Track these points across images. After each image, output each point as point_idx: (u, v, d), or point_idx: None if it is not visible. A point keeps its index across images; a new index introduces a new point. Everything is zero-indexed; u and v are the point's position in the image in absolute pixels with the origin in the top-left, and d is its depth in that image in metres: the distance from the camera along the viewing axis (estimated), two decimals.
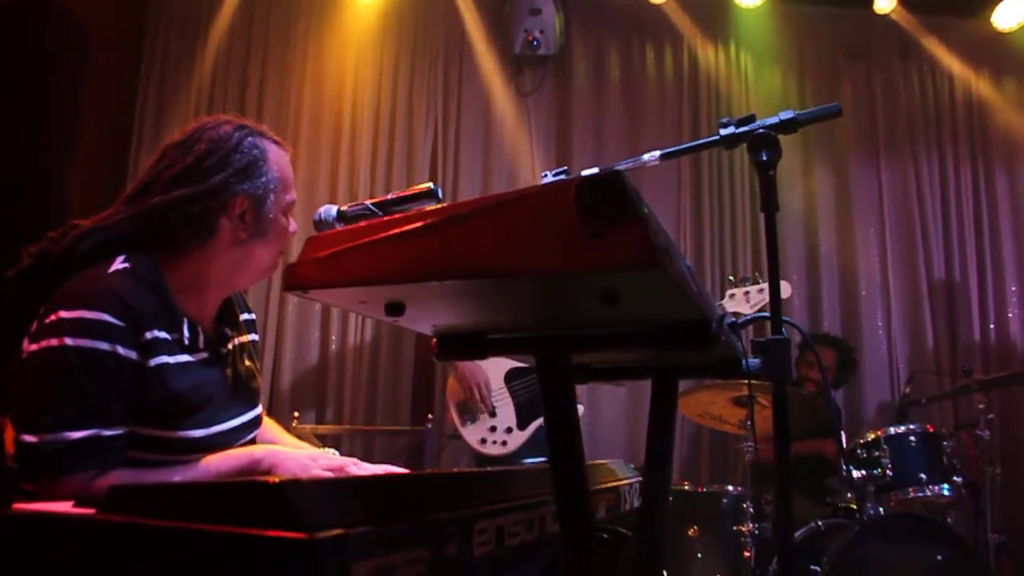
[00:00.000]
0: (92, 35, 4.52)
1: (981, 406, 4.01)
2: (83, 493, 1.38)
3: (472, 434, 3.79)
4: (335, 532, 0.69)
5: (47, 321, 1.49)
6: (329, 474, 1.55)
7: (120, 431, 1.50)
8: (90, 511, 0.81)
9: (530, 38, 5.24)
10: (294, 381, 4.78)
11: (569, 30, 5.41)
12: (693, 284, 0.99)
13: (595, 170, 1.53)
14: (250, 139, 1.72)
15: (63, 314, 1.48)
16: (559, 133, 5.44)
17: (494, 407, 3.77)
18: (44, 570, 0.83)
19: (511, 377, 3.91)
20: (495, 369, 3.92)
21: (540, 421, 3.67)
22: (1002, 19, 5.35)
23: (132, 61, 5.00)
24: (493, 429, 3.75)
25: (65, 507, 0.87)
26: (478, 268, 0.81)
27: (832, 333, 5.11)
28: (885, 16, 5.40)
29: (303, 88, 5.08)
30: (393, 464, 1.81)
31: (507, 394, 3.77)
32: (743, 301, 3.70)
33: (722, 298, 3.87)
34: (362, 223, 0.88)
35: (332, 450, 1.82)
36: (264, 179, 1.71)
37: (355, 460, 1.67)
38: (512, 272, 0.80)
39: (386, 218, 0.87)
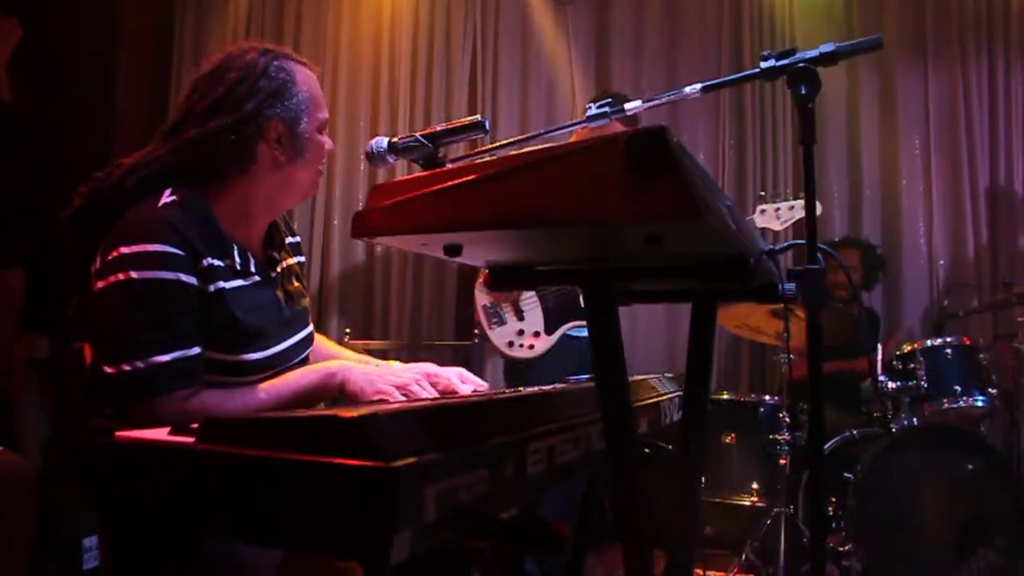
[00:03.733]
0: None
1: (1020, 319, 4.03)
2: (181, 411, 1.50)
3: (500, 337, 3.81)
4: (409, 460, 0.78)
5: (110, 258, 1.56)
6: (393, 389, 1.64)
7: (199, 350, 1.58)
8: (188, 440, 0.90)
9: None
10: (342, 298, 4.91)
11: None
12: (732, 223, 1.05)
13: (638, 103, 1.57)
14: (276, 63, 1.75)
15: (124, 250, 1.55)
16: (598, 43, 5.38)
17: (523, 310, 3.79)
18: (145, 494, 0.92)
19: None
20: None
21: (567, 327, 3.71)
22: None
23: (166, 11, 5.00)
24: (520, 333, 3.76)
25: (162, 435, 0.97)
26: (532, 217, 0.87)
27: (855, 236, 5.09)
28: None
29: (341, 8, 5.06)
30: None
31: (536, 299, 3.77)
32: (773, 217, 3.72)
33: (753, 212, 3.87)
34: (423, 173, 0.95)
35: (397, 362, 1.90)
36: (295, 100, 1.74)
37: (429, 368, 1.77)
38: (564, 221, 0.86)
39: (446, 168, 0.93)
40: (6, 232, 3.72)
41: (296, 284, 1.93)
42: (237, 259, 1.70)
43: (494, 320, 3.79)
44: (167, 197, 1.64)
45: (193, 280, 1.59)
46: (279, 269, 1.87)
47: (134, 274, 1.53)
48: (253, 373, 1.70)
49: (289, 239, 1.98)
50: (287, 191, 1.81)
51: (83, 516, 2.67)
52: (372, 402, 1.59)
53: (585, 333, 3.61)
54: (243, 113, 1.68)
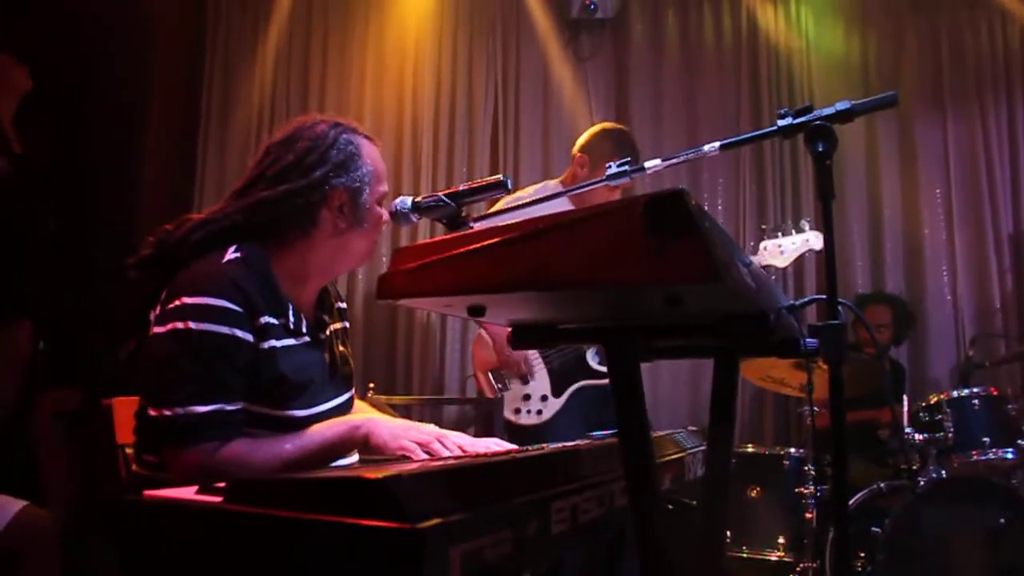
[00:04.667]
0: (156, 21, 4.64)
1: None
2: (208, 462, 1.53)
3: (505, 404, 3.67)
4: (435, 521, 0.79)
5: (171, 306, 1.63)
6: (414, 445, 1.65)
7: (240, 405, 1.63)
8: (216, 499, 0.91)
9: (587, 2, 5.24)
10: (365, 353, 4.93)
11: None
12: (752, 282, 1.06)
13: (657, 162, 1.59)
14: (345, 136, 1.84)
15: (186, 300, 1.62)
16: (618, 98, 5.46)
17: (527, 375, 3.61)
18: (171, 553, 0.94)
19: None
20: None
21: (576, 386, 3.60)
22: None
23: (197, 49, 5.13)
24: (527, 398, 3.60)
25: (190, 494, 0.98)
26: (553, 280, 0.89)
27: (886, 290, 5.07)
28: None
29: (365, 64, 5.18)
30: (466, 432, 1.91)
31: (540, 361, 3.65)
32: (776, 253, 3.51)
33: (754, 253, 3.73)
34: (446, 236, 0.97)
35: (431, 425, 1.91)
36: (360, 172, 1.83)
37: (440, 432, 1.78)
38: (584, 284, 0.88)
39: (470, 231, 0.96)
40: (14, 285, 3.77)
41: (342, 348, 2.00)
42: (291, 318, 1.76)
43: (499, 386, 3.67)
44: (232, 253, 1.71)
45: (249, 336, 1.65)
46: (328, 332, 1.93)
47: (192, 324, 1.60)
48: (296, 430, 1.73)
49: (338, 304, 2.05)
50: (343, 257, 1.89)
51: (109, 570, 2.67)
52: (395, 459, 1.61)
53: (587, 383, 3.58)
54: (311, 180, 1.77)
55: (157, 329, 1.64)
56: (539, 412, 3.60)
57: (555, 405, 3.61)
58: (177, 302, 1.62)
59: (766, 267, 3.53)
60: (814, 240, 3.44)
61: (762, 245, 3.59)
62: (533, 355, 3.66)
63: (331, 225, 1.81)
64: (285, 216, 1.77)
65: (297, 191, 1.76)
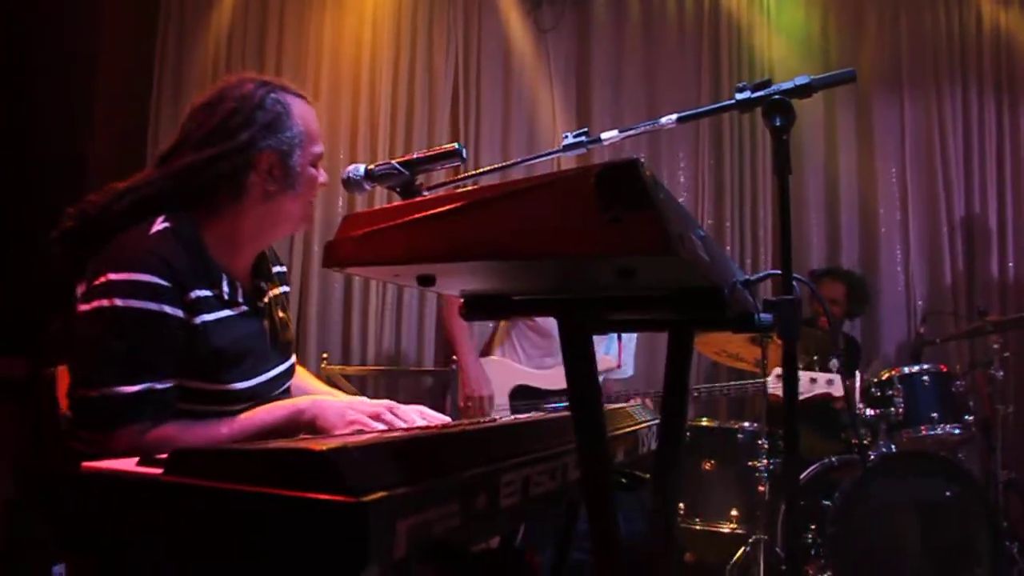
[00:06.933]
0: None
1: (996, 346, 4.07)
2: (137, 443, 1.49)
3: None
4: (379, 495, 0.77)
5: (97, 283, 1.57)
6: (365, 419, 1.63)
7: (170, 384, 1.59)
8: (156, 471, 0.89)
9: None
10: (320, 323, 4.87)
11: None
12: (706, 255, 1.05)
13: (614, 133, 1.58)
14: (273, 95, 1.78)
15: (112, 276, 1.56)
16: (578, 71, 5.41)
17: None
18: (110, 526, 0.91)
19: (516, 395, 3.82)
20: (502, 381, 3.82)
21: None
22: None
23: (148, 19, 4.96)
24: None
25: (130, 465, 0.95)
26: (505, 250, 0.87)
27: (843, 267, 5.13)
28: None
29: (322, 32, 5.06)
30: (421, 403, 1.89)
31: (508, 411, 3.66)
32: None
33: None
34: (395, 203, 0.95)
35: (364, 397, 1.90)
36: (289, 133, 1.77)
37: (390, 403, 1.75)
38: (536, 254, 0.86)
39: (418, 199, 0.93)
40: None
41: (282, 314, 1.95)
42: (225, 288, 1.72)
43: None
44: (159, 224, 1.66)
45: (178, 312, 1.60)
46: (266, 299, 1.88)
47: (118, 302, 1.54)
48: (238, 402, 1.70)
49: (275, 268, 2.00)
50: (277, 222, 1.83)
51: (52, 543, 2.63)
52: (344, 434, 1.59)
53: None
54: (237, 142, 1.71)
55: (83, 307, 1.58)
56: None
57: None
58: (103, 278, 1.57)
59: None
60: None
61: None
62: (502, 403, 3.66)
63: (260, 189, 1.75)
64: (212, 182, 1.71)
65: (223, 155, 1.70)
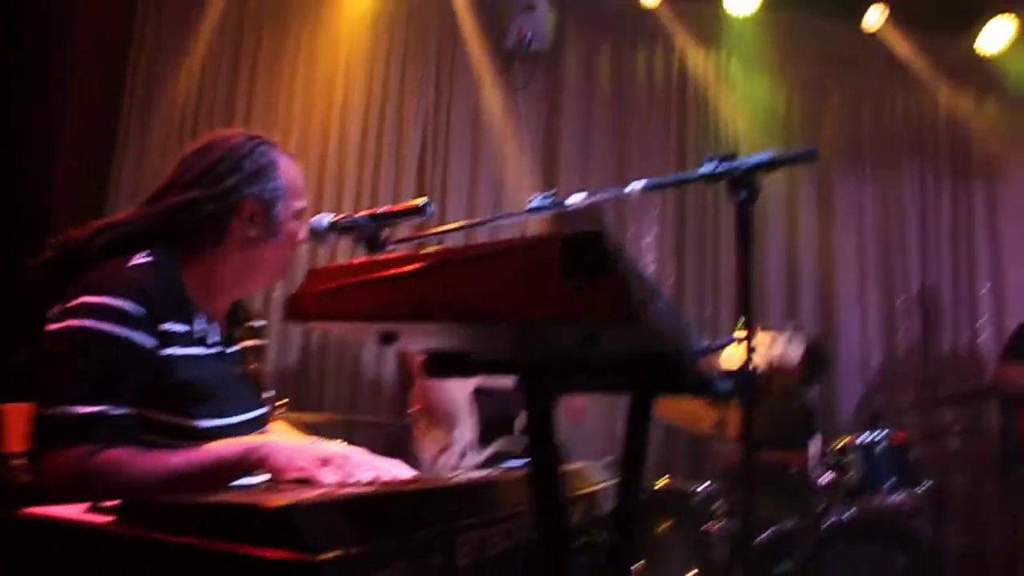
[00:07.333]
0: (79, 27, 4.46)
1: (949, 417, 4.13)
2: (82, 466, 1.47)
3: (426, 447, 3.65)
4: (335, 553, 0.76)
5: (71, 304, 1.59)
6: (314, 469, 1.59)
7: (127, 411, 1.57)
8: (106, 519, 0.87)
9: (522, 34, 5.26)
10: (279, 370, 4.82)
11: (562, 28, 5.44)
12: (670, 323, 1.07)
13: (582, 195, 1.60)
14: (261, 147, 1.83)
15: (86, 299, 1.58)
16: (548, 130, 5.48)
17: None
18: (57, 574, 0.89)
19: (476, 397, 3.76)
20: (461, 384, 3.73)
21: (497, 445, 3.55)
22: (986, 44, 5.40)
23: (118, 57, 4.94)
24: (447, 448, 3.57)
25: (79, 512, 0.93)
26: (468, 312, 0.88)
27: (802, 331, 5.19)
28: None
29: (294, 83, 5.09)
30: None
31: (472, 407, 3.63)
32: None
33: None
34: (360, 260, 0.95)
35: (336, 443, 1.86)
36: (274, 184, 1.81)
37: (346, 451, 1.72)
38: (498, 317, 0.87)
39: (383, 257, 0.94)
40: None
41: (256, 365, 1.97)
42: (198, 327, 1.73)
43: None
44: (142, 257, 1.68)
45: (147, 341, 1.60)
46: (239, 346, 1.90)
47: (88, 323, 1.56)
48: (202, 440, 1.66)
49: (254, 323, 2.02)
50: (255, 270, 1.86)
51: None
52: (296, 481, 1.55)
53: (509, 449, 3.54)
54: (223, 187, 1.75)
55: (52, 326, 1.59)
56: (455, 467, 3.54)
57: (474, 459, 3.56)
58: (78, 300, 1.58)
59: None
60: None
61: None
62: (464, 399, 3.61)
63: (241, 235, 1.78)
64: (195, 223, 1.74)
65: (207, 198, 1.73)
